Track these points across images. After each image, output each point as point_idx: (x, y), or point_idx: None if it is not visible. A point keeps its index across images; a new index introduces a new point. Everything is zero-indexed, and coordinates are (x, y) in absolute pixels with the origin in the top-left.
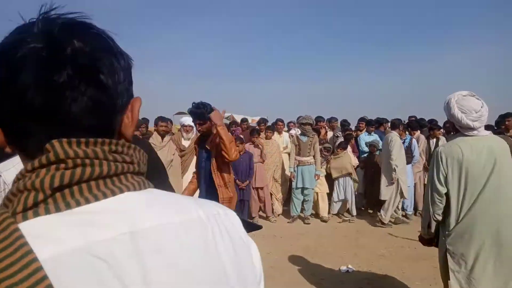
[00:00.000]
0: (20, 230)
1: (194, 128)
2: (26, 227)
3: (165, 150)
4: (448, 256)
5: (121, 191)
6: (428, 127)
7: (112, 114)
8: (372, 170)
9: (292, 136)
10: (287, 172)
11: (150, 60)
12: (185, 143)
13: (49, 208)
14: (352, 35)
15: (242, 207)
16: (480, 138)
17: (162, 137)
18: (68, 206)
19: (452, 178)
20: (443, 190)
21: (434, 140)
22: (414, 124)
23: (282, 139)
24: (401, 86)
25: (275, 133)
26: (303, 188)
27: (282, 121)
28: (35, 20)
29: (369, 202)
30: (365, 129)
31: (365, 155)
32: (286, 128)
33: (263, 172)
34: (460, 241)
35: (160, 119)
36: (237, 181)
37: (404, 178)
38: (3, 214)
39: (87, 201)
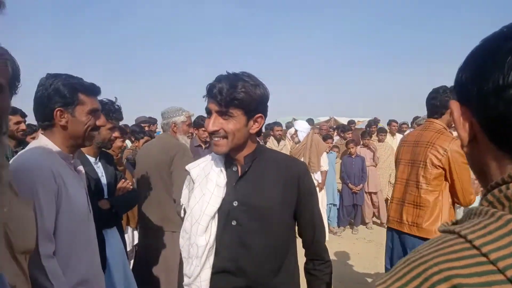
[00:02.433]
0: None
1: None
2: None
3: None
4: None
5: None
6: None
7: None
8: None
9: None
10: None
11: None
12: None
13: None
14: None
15: (355, 212)
16: None
17: (278, 141)
18: None
19: None
20: None
21: None
22: None
23: (396, 141)
24: None
25: (388, 134)
26: None
27: (395, 121)
28: None
29: None
30: None
31: None
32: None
33: (376, 176)
34: None
35: (276, 124)
36: (349, 184)
37: None
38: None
39: None
